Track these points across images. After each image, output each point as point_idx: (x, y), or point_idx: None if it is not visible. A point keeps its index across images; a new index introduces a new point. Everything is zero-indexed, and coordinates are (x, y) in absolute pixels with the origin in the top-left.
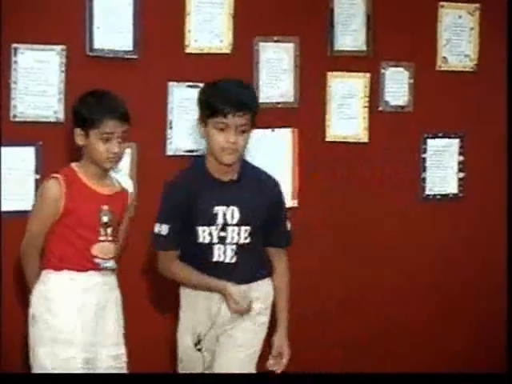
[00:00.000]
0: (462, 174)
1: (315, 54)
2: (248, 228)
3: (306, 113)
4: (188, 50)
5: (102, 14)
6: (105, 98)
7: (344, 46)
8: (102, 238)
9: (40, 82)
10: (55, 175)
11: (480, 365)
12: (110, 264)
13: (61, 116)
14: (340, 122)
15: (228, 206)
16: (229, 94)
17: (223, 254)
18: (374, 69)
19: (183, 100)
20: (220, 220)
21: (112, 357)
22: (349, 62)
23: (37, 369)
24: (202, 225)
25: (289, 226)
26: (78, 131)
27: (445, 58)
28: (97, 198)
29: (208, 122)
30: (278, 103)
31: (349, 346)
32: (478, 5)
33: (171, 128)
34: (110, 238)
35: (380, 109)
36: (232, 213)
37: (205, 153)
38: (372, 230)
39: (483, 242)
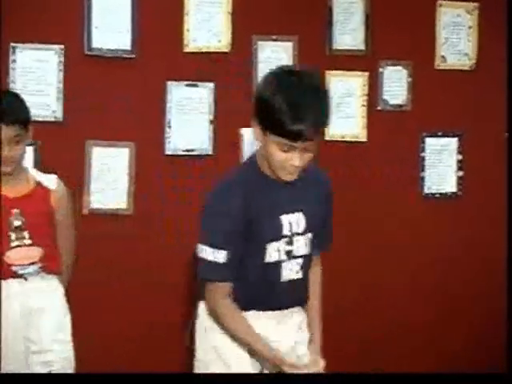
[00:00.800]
0: (460, 173)
1: (314, 52)
2: (310, 235)
3: None
4: (186, 49)
5: (100, 14)
6: None
7: (342, 44)
8: (15, 244)
9: (38, 81)
10: None
11: (480, 365)
12: (32, 269)
13: (59, 115)
14: (339, 121)
15: (293, 212)
16: (304, 115)
17: (290, 271)
18: (372, 68)
19: (182, 99)
20: (286, 231)
21: (40, 363)
22: (347, 61)
23: None
24: (271, 240)
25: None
26: None
27: (443, 56)
28: (3, 202)
29: (269, 134)
30: None
31: (348, 346)
32: (476, 4)
33: (170, 127)
34: (27, 242)
35: (379, 108)
36: (297, 220)
37: (256, 152)
38: (371, 229)
39: (482, 241)
